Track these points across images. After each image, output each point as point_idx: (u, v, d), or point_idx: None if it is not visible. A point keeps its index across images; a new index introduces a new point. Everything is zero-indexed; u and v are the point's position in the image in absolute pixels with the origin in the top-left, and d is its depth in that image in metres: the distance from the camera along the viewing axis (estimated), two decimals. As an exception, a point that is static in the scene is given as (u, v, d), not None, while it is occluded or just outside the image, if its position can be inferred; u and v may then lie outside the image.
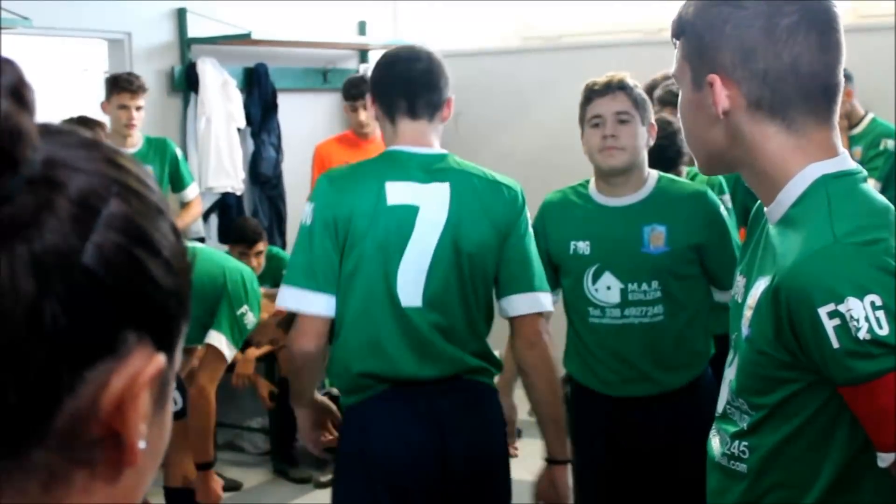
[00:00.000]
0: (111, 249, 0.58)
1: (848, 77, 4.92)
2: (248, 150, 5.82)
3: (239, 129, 5.67)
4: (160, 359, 0.61)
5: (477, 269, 2.54)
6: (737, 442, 1.53)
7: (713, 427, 1.64)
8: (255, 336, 4.46)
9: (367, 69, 6.38)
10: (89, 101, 4.87)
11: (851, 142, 5.19)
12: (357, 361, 2.50)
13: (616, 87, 2.89)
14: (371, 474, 2.51)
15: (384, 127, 2.61)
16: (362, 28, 6.58)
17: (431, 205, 2.50)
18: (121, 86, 4.74)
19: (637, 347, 2.88)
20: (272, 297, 4.19)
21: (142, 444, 0.61)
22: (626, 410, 2.93)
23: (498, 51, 6.56)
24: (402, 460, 2.50)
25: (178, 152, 5.08)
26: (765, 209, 1.53)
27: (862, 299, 1.30)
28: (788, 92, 1.44)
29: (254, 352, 4.93)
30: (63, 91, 6.24)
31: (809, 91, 1.45)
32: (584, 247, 2.90)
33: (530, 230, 2.63)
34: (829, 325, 1.31)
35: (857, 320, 1.30)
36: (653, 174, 2.92)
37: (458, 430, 2.55)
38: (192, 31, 5.48)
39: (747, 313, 1.47)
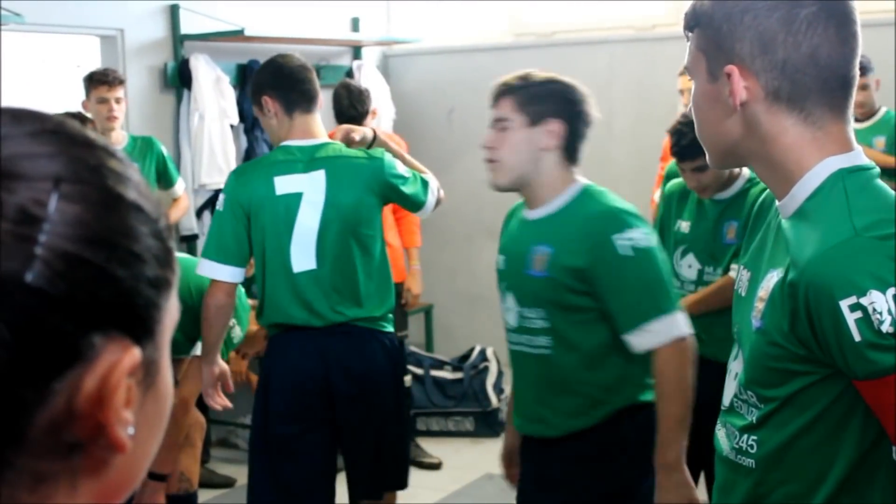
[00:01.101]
0: (59, 261, 0.55)
1: (868, 68, 4.94)
2: (241, 147, 5.81)
3: (232, 126, 5.66)
4: (134, 352, 0.59)
5: (360, 230, 3.21)
6: (745, 436, 1.52)
7: (718, 421, 1.63)
8: (242, 348, 4.48)
9: (359, 65, 6.37)
10: (82, 98, 4.86)
11: (867, 133, 5.19)
12: (266, 314, 3.29)
13: (498, 94, 2.58)
14: (270, 397, 3.28)
15: (280, 122, 3.24)
16: (355, 25, 6.57)
17: (311, 189, 3.17)
18: (97, 79, 4.75)
19: (527, 379, 2.61)
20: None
21: (130, 431, 0.59)
22: (525, 449, 2.69)
23: (490, 47, 6.56)
24: (293, 386, 3.25)
25: (164, 150, 5.07)
26: (777, 203, 1.51)
27: (884, 292, 1.30)
28: (807, 83, 1.43)
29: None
30: (56, 87, 6.22)
31: (827, 82, 1.44)
32: (501, 261, 2.69)
33: (406, 173, 3.31)
34: (851, 317, 1.31)
35: (881, 313, 1.30)
36: (574, 187, 2.57)
37: (340, 363, 3.24)
38: (185, 28, 5.47)
39: (758, 305, 1.47)
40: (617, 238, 2.44)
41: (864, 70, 5.07)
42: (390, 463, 3.43)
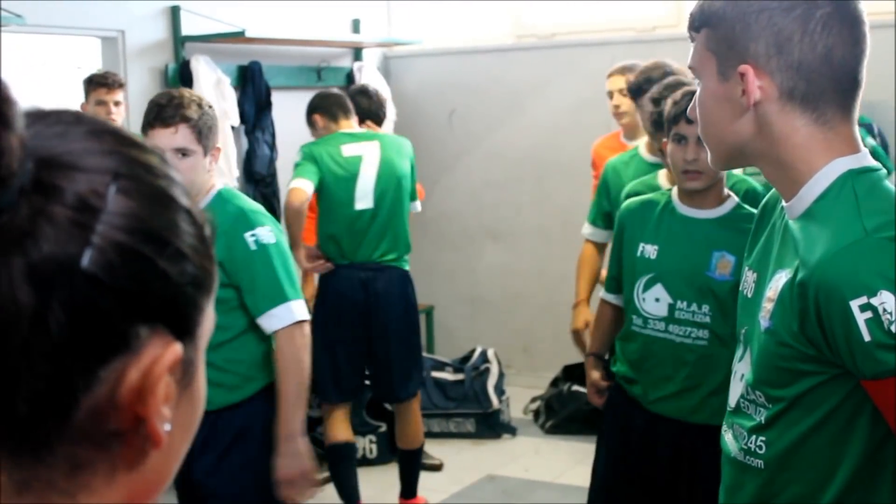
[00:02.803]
0: (113, 251, 0.57)
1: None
2: (242, 148, 5.81)
3: (233, 127, 5.65)
4: (177, 348, 0.61)
5: None
6: (753, 436, 1.53)
7: (724, 422, 1.63)
8: None
9: (360, 66, 6.37)
10: (81, 100, 4.86)
11: None
12: None
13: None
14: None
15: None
16: (356, 26, 6.57)
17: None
18: (96, 82, 4.74)
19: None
20: None
21: (166, 427, 0.61)
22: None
23: (491, 49, 6.56)
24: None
25: None
26: (784, 204, 1.51)
27: (894, 292, 1.30)
28: (822, 83, 1.44)
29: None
30: (56, 88, 6.22)
31: (840, 83, 1.45)
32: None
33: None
34: (861, 318, 1.32)
35: (890, 313, 1.30)
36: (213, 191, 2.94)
37: None
38: (186, 29, 5.47)
39: (767, 305, 1.47)
40: (247, 235, 2.79)
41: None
42: (403, 371, 4.48)
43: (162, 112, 2.68)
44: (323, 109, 4.57)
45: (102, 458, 0.60)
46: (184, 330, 0.62)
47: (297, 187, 4.27)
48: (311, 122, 4.64)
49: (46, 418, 0.57)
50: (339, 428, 4.40)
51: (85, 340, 0.56)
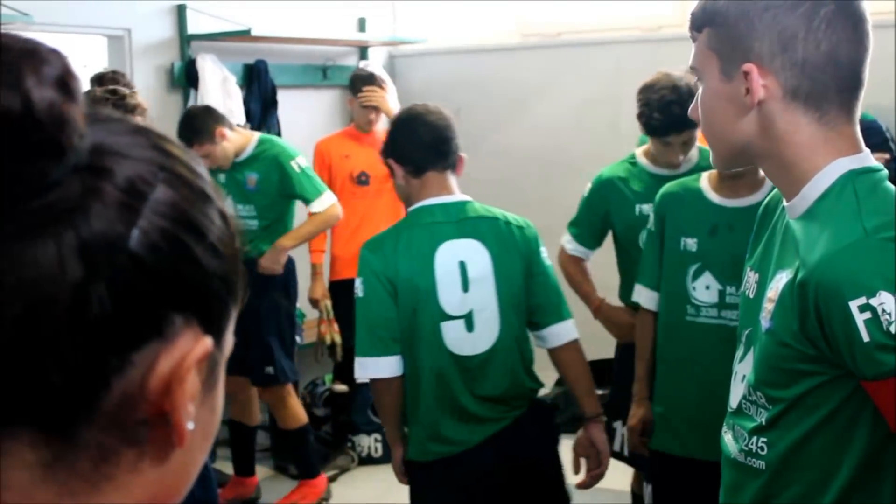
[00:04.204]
0: (157, 235, 0.59)
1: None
2: (247, 147, 5.81)
3: (239, 126, 5.67)
4: (207, 341, 0.62)
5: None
6: (755, 437, 1.52)
7: (725, 423, 1.63)
8: None
9: (367, 65, 6.38)
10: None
11: None
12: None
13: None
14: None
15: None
16: (362, 25, 6.58)
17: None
18: (106, 83, 4.75)
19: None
20: None
21: (190, 425, 0.61)
22: None
23: (497, 48, 6.56)
24: None
25: None
26: (785, 203, 1.51)
27: (894, 293, 1.30)
28: (826, 82, 1.43)
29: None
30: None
31: (843, 82, 1.44)
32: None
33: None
34: (860, 318, 1.31)
35: (889, 314, 1.30)
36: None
37: None
38: (192, 28, 5.48)
39: (768, 306, 1.47)
40: None
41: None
42: None
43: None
44: (222, 122, 4.65)
45: (128, 449, 0.60)
46: (214, 327, 0.63)
47: (336, 201, 4.70)
48: (211, 138, 4.49)
49: (78, 395, 0.57)
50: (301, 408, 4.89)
51: (123, 320, 0.57)
